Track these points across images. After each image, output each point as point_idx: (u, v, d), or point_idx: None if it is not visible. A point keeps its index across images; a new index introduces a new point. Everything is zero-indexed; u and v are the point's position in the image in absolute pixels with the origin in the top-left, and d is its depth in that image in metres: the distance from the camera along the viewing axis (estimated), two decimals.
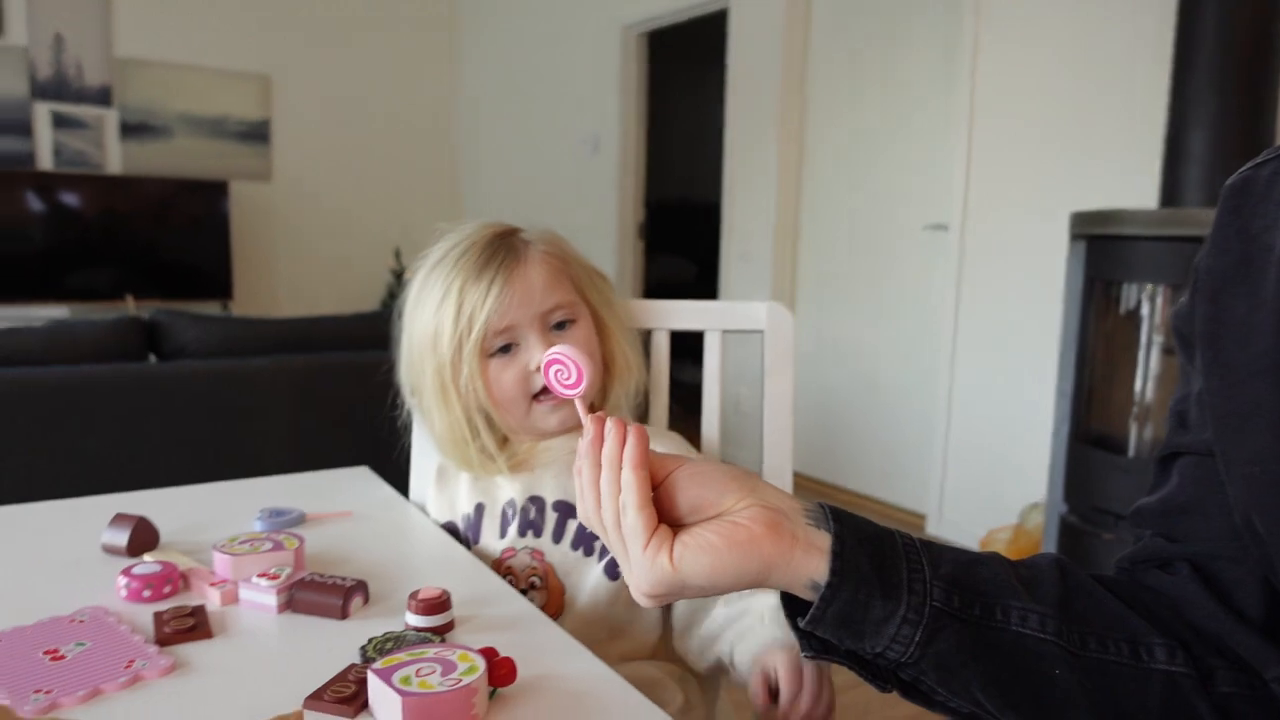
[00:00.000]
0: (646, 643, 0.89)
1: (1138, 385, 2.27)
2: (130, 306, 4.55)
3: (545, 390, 0.87)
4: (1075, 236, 2.34)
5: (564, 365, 0.59)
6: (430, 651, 0.59)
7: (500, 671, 0.59)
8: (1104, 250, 2.25)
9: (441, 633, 0.68)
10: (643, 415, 0.97)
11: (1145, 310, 2.25)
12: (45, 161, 4.63)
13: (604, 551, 0.87)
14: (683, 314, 1.02)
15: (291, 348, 2.49)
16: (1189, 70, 2.15)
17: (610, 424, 0.53)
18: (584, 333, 0.89)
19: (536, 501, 0.90)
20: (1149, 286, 2.23)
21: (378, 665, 0.57)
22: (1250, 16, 2.07)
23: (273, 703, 0.58)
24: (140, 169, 4.87)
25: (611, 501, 0.53)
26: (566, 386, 0.60)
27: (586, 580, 0.87)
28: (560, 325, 0.88)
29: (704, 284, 4.29)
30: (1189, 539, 0.57)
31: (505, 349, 0.87)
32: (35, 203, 4.45)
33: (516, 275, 0.86)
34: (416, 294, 0.90)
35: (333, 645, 0.67)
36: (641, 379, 0.95)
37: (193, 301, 4.75)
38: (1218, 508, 0.54)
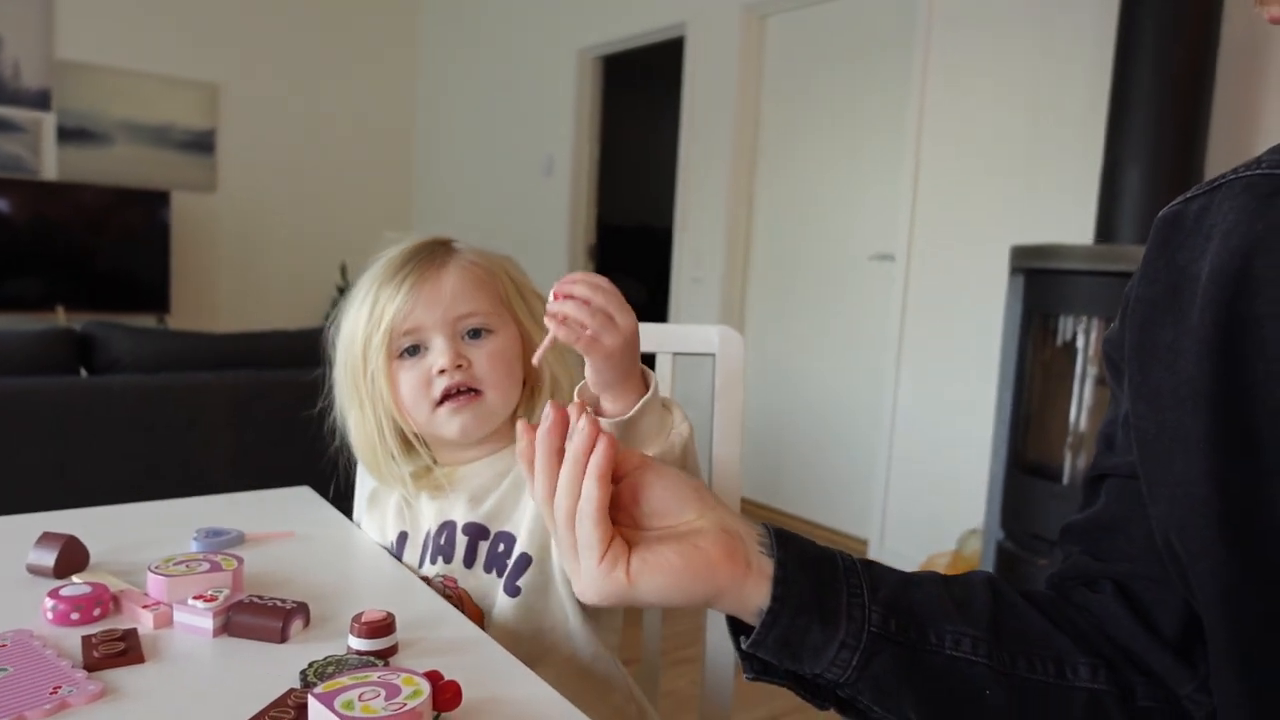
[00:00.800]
0: (572, 651, 0.85)
1: (1073, 414, 2.34)
2: (60, 317, 4.41)
3: (447, 396, 0.86)
4: (1015, 270, 2.41)
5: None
6: (374, 675, 0.58)
7: (445, 695, 0.58)
8: (1042, 283, 2.32)
9: (385, 656, 0.67)
10: None
11: (1080, 342, 2.32)
12: None
13: (516, 567, 0.85)
14: None
15: (232, 363, 2.43)
16: (1125, 108, 2.24)
17: (583, 422, 0.53)
18: (499, 345, 0.87)
19: (448, 526, 0.88)
20: (1084, 319, 2.30)
21: (319, 690, 0.56)
22: (1185, 56, 2.17)
23: None
24: (78, 176, 4.74)
25: (567, 501, 0.53)
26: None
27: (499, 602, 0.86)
28: (474, 334, 0.87)
29: (655, 307, 4.31)
30: (1113, 558, 0.60)
31: (413, 350, 0.87)
32: None
33: (429, 278, 0.85)
34: (347, 300, 0.90)
35: (272, 669, 0.65)
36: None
37: (127, 314, 4.61)
38: (1141, 528, 0.57)
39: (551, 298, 0.69)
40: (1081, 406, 2.32)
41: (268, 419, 2.33)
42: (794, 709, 2.17)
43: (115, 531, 0.93)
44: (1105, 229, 2.29)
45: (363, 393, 0.88)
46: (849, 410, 3.46)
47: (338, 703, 0.54)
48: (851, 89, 3.42)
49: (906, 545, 3.12)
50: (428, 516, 0.90)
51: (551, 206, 4.71)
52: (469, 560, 0.86)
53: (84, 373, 2.34)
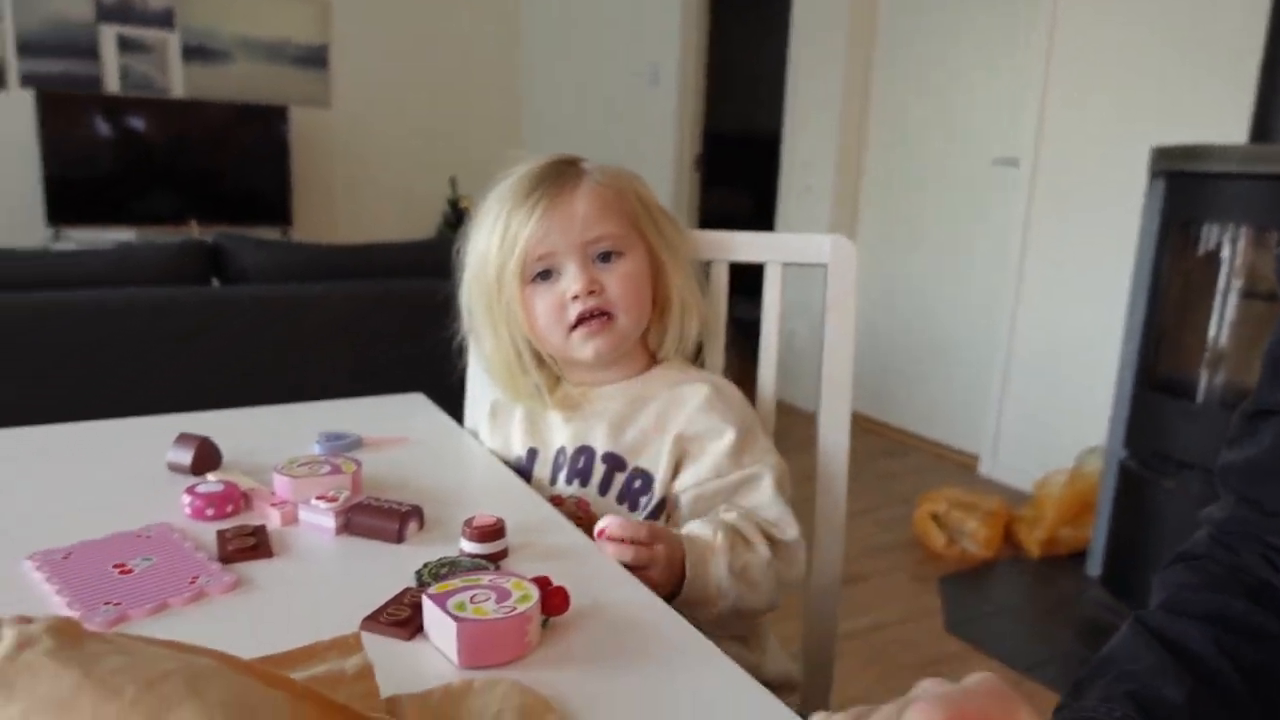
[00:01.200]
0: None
1: (1212, 330, 2.18)
2: (194, 231, 4.63)
3: (581, 320, 0.86)
4: (1155, 174, 2.23)
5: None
6: (484, 578, 0.59)
7: (554, 600, 0.59)
8: (1186, 188, 2.14)
9: (495, 560, 0.69)
10: (697, 355, 0.96)
11: (1226, 252, 2.15)
12: (113, 84, 4.68)
13: (653, 510, 0.86)
14: (743, 245, 0.99)
15: (350, 273, 2.51)
16: None
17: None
18: (630, 267, 0.87)
19: (585, 452, 0.89)
20: (1231, 227, 2.12)
21: (432, 590, 0.58)
22: None
23: (331, 622, 0.59)
24: (202, 93, 4.90)
25: None
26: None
27: None
28: (605, 257, 0.86)
29: (761, 218, 4.21)
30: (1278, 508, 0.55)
31: (545, 275, 0.86)
32: (103, 126, 4.51)
33: (561, 202, 0.85)
34: (476, 220, 0.89)
35: (388, 568, 0.68)
36: (703, 322, 0.93)
37: (253, 227, 4.80)
38: None
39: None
40: (1223, 322, 2.16)
41: (384, 327, 2.40)
42: (899, 619, 2.17)
43: (244, 433, 0.98)
44: (1262, 127, 2.09)
45: (496, 316, 0.88)
46: (965, 322, 3.33)
47: (450, 604, 0.56)
48: None
49: (1020, 461, 3.03)
50: (560, 435, 0.91)
51: (657, 117, 4.62)
52: (604, 488, 0.88)
53: (216, 283, 2.46)
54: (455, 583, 0.59)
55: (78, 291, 2.10)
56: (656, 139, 4.60)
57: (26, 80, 4.40)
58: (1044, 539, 2.52)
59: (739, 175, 5.32)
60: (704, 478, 0.84)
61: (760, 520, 0.82)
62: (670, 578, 0.74)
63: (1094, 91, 2.77)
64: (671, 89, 4.50)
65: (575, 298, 0.85)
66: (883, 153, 3.63)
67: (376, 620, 0.58)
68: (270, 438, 0.97)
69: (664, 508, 0.86)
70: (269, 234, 4.77)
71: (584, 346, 0.87)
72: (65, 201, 4.40)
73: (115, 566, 0.65)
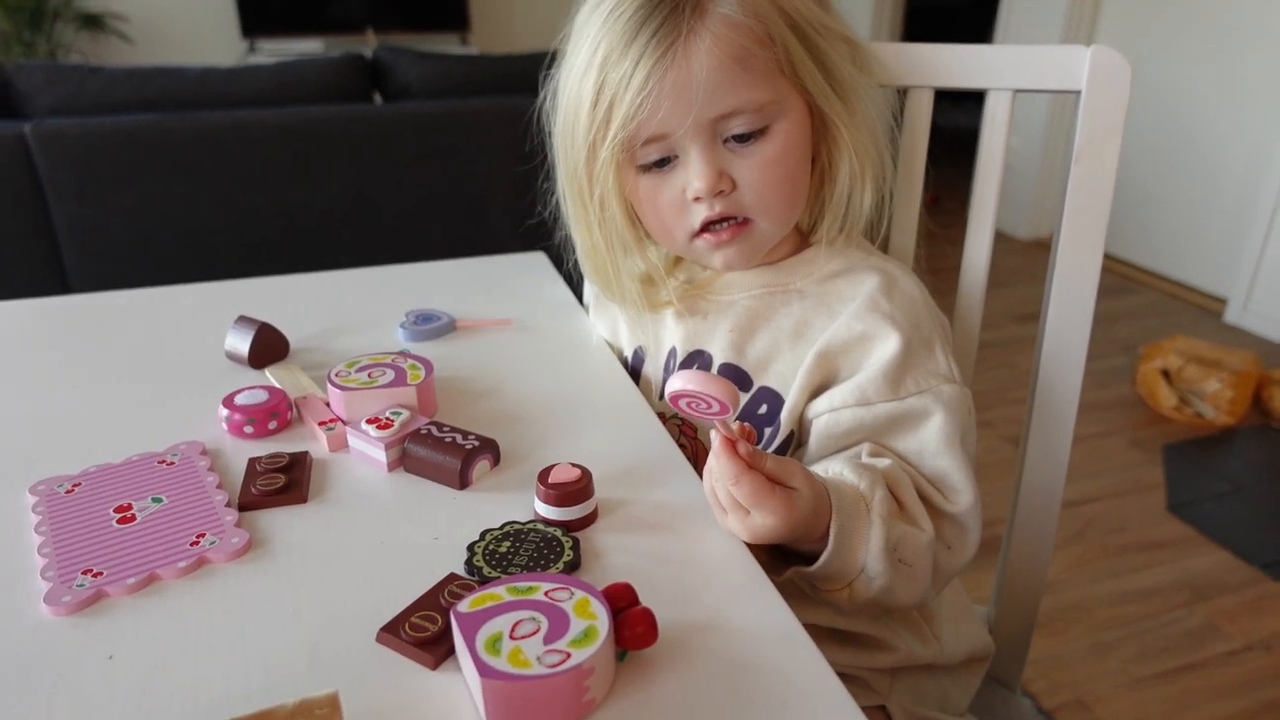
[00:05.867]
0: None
1: None
2: (370, 40, 4.54)
3: (707, 226, 0.62)
4: None
5: (702, 400, 0.48)
6: (541, 589, 0.42)
7: (633, 630, 0.41)
8: None
9: (576, 528, 0.51)
10: (875, 231, 0.69)
11: None
12: None
13: (779, 448, 0.63)
14: (957, 64, 0.71)
15: (518, 87, 2.32)
16: None
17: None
18: (775, 148, 0.60)
19: (700, 358, 0.67)
20: None
21: (463, 607, 0.41)
22: None
23: (342, 624, 0.44)
24: None
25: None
26: (702, 415, 0.49)
27: None
28: (742, 138, 0.60)
29: (981, 13, 3.59)
30: None
31: (661, 163, 0.61)
32: None
33: (674, 58, 0.57)
34: (572, 39, 0.63)
35: (443, 528, 0.52)
36: (881, 192, 0.66)
37: (430, 34, 4.66)
38: None
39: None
40: None
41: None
42: (1111, 492, 1.88)
43: (326, 306, 0.84)
44: None
45: (591, 215, 0.65)
46: (1226, 142, 2.73)
47: (482, 639, 0.39)
48: None
49: (1275, 309, 2.53)
50: (672, 334, 0.69)
51: None
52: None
53: (379, 99, 2.35)
54: (498, 594, 0.42)
55: (239, 111, 2.04)
56: None
57: None
58: None
59: None
60: (842, 403, 0.60)
61: (917, 477, 0.58)
62: (796, 535, 0.51)
63: None
64: None
65: (698, 199, 0.60)
66: None
67: (397, 633, 0.43)
68: (354, 313, 0.82)
69: (792, 445, 0.63)
70: (446, 42, 4.63)
71: (712, 256, 0.64)
72: (257, 12, 4.41)
73: (117, 510, 0.53)
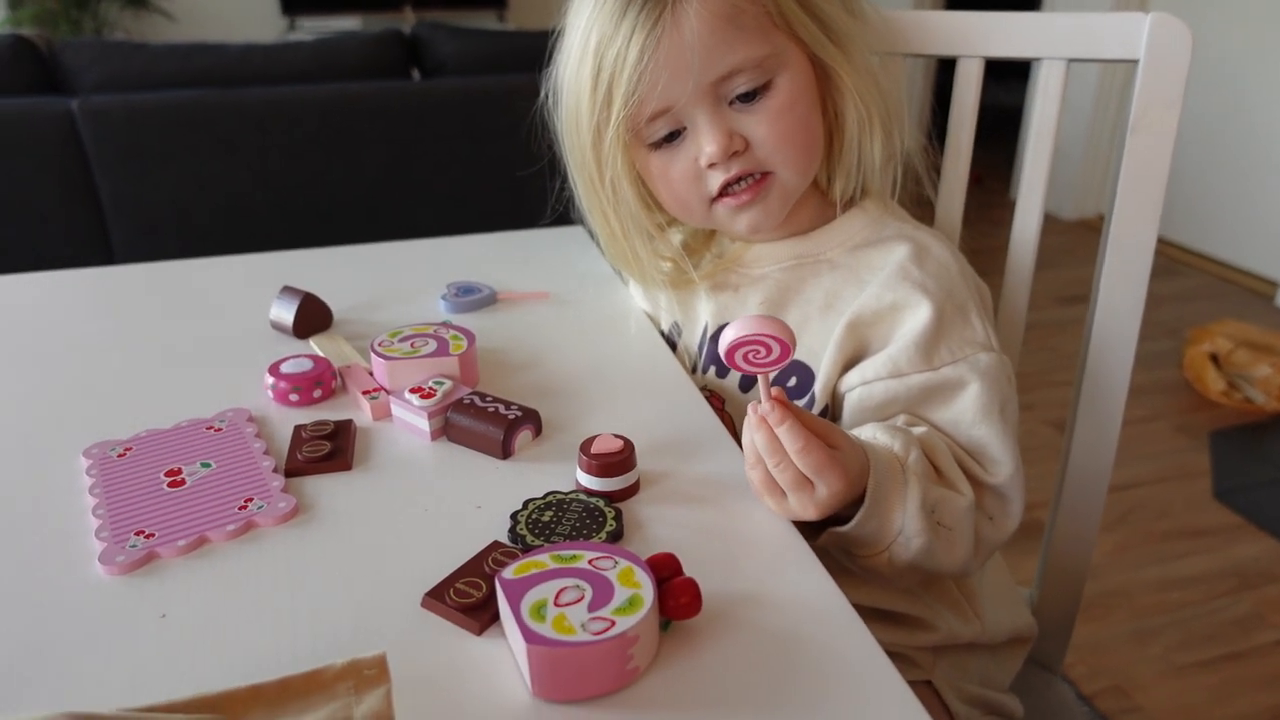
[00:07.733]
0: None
1: None
2: (408, 17, 4.54)
3: (726, 190, 0.61)
4: None
5: (759, 345, 0.46)
6: (585, 557, 0.42)
7: (678, 600, 0.41)
8: None
9: (619, 499, 0.51)
10: (902, 190, 0.68)
11: None
12: None
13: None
14: (1009, 33, 0.69)
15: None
16: None
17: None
18: (782, 100, 0.59)
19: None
20: None
21: (508, 573, 0.41)
22: None
23: (388, 587, 0.45)
24: None
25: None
26: (763, 364, 0.47)
27: None
28: (747, 97, 0.59)
29: None
30: None
31: (671, 137, 0.60)
32: None
33: (664, 27, 0.56)
34: (565, 34, 0.62)
35: (485, 499, 0.52)
36: (889, 130, 0.64)
37: (467, 11, 4.66)
38: None
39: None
40: None
41: None
42: (1156, 478, 1.85)
43: (369, 278, 0.84)
44: None
45: (604, 200, 0.64)
46: None
47: (527, 605, 0.39)
48: None
49: None
50: (705, 309, 0.69)
51: None
52: (745, 382, 0.66)
53: (416, 75, 2.35)
54: (542, 561, 0.42)
55: (278, 88, 2.05)
56: None
57: None
58: None
59: None
60: (874, 375, 0.59)
61: (954, 447, 0.57)
62: (836, 502, 0.49)
63: None
64: None
65: (713, 165, 0.59)
66: None
67: (442, 599, 0.43)
68: (397, 284, 0.83)
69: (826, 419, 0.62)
70: (484, 19, 4.62)
71: (735, 220, 0.63)
72: None
73: (167, 474, 0.54)
